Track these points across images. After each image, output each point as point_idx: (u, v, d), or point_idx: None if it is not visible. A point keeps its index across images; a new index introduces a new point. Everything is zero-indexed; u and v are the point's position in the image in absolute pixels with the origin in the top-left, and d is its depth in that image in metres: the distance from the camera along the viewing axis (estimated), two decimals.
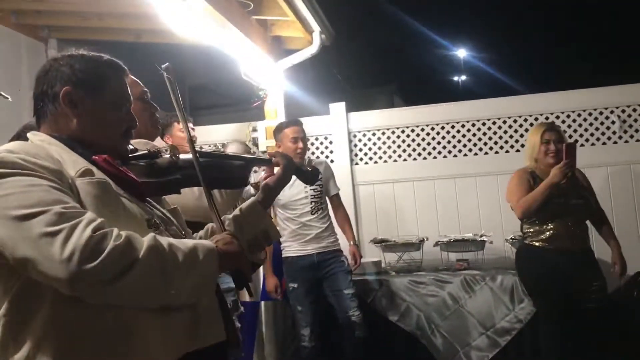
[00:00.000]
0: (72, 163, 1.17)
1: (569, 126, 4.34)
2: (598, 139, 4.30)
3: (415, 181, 4.53)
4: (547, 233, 3.12)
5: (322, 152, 4.72)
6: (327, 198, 3.72)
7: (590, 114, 4.32)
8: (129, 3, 3.50)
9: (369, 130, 4.67)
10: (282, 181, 1.58)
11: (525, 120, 4.41)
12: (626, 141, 4.25)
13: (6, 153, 1.10)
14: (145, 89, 1.77)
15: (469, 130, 4.50)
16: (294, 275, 3.56)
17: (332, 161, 4.64)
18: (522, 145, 4.27)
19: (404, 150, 4.61)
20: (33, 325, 1.08)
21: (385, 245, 4.19)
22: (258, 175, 2.61)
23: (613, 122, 4.26)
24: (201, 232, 1.50)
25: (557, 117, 4.36)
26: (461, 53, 17.19)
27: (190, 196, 1.69)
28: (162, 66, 1.39)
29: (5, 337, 1.10)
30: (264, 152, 4.47)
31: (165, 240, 1.12)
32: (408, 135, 4.61)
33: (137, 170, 1.32)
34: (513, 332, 3.54)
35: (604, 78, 4.78)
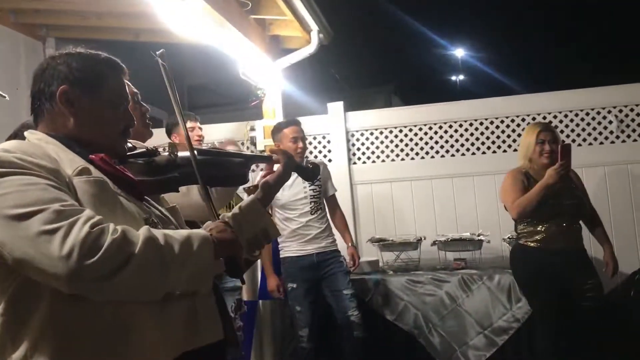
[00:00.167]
0: (70, 162, 1.17)
1: (567, 126, 4.34)
2: (595, 139, 4.31)
3: (413, 180, 4.54)
4: (541, 233, 3.13)
5: (320, 152, 4.73)
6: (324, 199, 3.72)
7: (587, 114, 4.33)
8: (128, 2, 3.51)
9: (366, 130, 4.68)
10: (282, 179, 1.57)
11: (523, 120, 4.42)
12: (623, 141, 4.26)
13: (3, 152, 1.10)
14: (136, 90, 1.78)
15: (466, 130, 4.51)
16: (293, 276, 3.55)
17: (330, 160, 4.64)
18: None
19: (402, 150, 4.61)
20: (31, 325, 1.08)
21: (383, 244, 4.20)
22: (257, 174, 2.61)
23: (610, 122, 4.27)
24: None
25: (555, 117, 4.37)
26: (459, 53, 17.19)
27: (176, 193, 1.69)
28: (157, 52, 1.38)
29: (3, 337, 1.10)
30: (262, 151, 4.47)
31: (159, 232, 1.12)
32: (406, 135, 4.61)
33: (135, 169, 1.32)
34: (510, 332, 3.54)
35: (603, 78, 4.79)
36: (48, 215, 1.01)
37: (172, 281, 1.11)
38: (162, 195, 1.46)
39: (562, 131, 4.28)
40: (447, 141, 4.54)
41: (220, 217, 1.40)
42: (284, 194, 3.50)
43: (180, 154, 1.41)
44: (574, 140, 4.29)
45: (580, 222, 3.25)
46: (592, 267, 3.18)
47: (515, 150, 4.35)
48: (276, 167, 1.59)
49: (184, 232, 1.17)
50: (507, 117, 4.46)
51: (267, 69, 4.38)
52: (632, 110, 4.26)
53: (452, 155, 4.53)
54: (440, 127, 4.56)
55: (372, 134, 4.67)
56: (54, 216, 1.01)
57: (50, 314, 1.07)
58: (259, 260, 4.11)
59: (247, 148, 4.69)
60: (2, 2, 3.80)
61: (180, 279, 1.12)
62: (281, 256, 3.63)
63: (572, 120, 4.35)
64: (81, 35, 4.25)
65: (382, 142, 4.64)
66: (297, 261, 3.55)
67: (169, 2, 3.03)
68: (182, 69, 7.07)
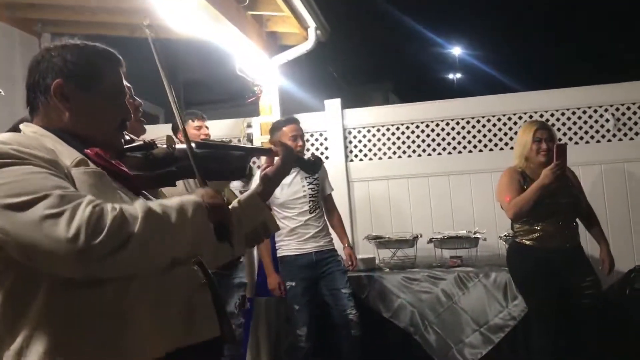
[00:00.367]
0: (67, 153, 1.17)
1: (564, 124, 4.34)
2: (592, 137, 4.31)
3: (409, 178, 4.54)
4: (538, 232, 3.14)
5: (317, 149, 4.72)
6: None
7: (584, 112, 4.33)
8: None
9: (364, 127, 4.67)
10: (282, 172, 1.55)
11: (520, 118, 4.42)
12: (620, 139, 4.27)
13: None
14: (129, 85, 1.76)
15: (463, 128, 4.51)
16: (292, 274, 3.53)
17: (327, 158, 4.63)
18: None
19: (399, 147, 4.61)
20: (28, 317, 1.08)
21: (380, 241, 4.20)
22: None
23: (607, 121, 4.27)
24: None
25: (552, 115, 4.37)
26: (456, 51, 17.18)
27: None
28: (145, 23, 1.35)
29: (0, 329, 1.10)
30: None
31: (155, 204, 1.13)
32: (403, 132, 4.61)
33: (132, 163, 1.31)
34: (506, 329, 3.55)
35: (600, 76, 4.79)
36: (52, 200, 1.01)
37: (174, 248, 1.13)
38: (162, 189, 1.45)
39: (558, 129, 4.28)
40: (443, 139, 4.54)
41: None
42: (282, 193, 3.49)
43: (178, 147, 1.40)
44: (570, 139, 4.30)
45: (577, 220, 3.26)
46: (589, 265, 3.18)
47: (511, 148, 4.33)
48: (276, 159, 1.57)
49: (176, 200, 1.17)
50: (503, 115, 4.46)
51: (264, 66, 4.37)
52: (628, 108, 4.26)
53: (449, 153, 4.53)
54: (437, 125, 4.55)
55: (369, 131, 4.66)
56: (57, 201, 1.01)
57: (47, 306, 1.07)
58: (256, 258, 4.10)
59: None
60: None
61: (181, 245, 1.15)
62: (279, 255, 3.62)
63: (569, 119, 4.35)
64: (76, 31, 4.22)
65: (379, 140, 4.64)
66: (296, 260, 3.53)
67: None
68: (178, 65, 7.04)
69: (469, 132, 4.50)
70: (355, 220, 4.58)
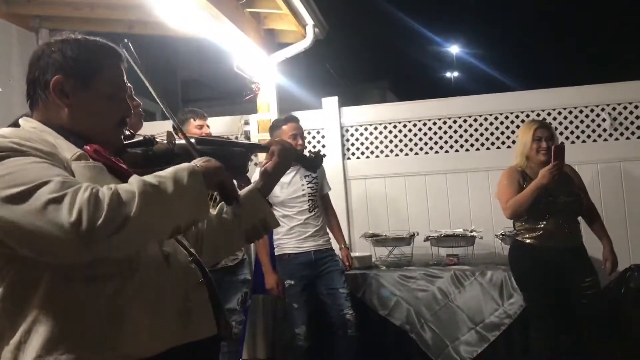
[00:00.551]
0: (68, 147, 1.17)
1: (560, 123, 4.36)
2: (589, 136, 4.32)
3: (406, 176, 4.54)
4: (539, 230, 3.15)
5: (314, 147, 4.72)
6: None
7: (581, 111, 4.34)
8: None
9: (361, 125, 4.67)
10: (281, 167, 1.55)
11: (517, 116, 4.43)
12: (616, 139, 4.28)
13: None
14: (129, 85, 1.76)
15: (460, 126, 4.51)
16: (290, 273, 3.52)
17: (324, 155, 4.62)
18: (513, 142, 4.28)
19: (396, 146, 4.61)
20: (28, 310, 1.08)
21: (376, 239, 4.20)
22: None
23: (604, 120, 4.28)
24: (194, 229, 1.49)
25: (549, 114, 4.38)
26: (454, 49, 17.20)
27: None
28: (122, 43, 1.33)
29: (2, 323, 1.10)
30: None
31: (150, 176, 1.12)
32: (400, 131, 4.61)
33: (132, 159, 1.30)
34: (502, 328, 3.55)
35: (598, 76, 4.80)
36: (53, 185, 1.00)
37: (174, 218, 1.12)
38: None
39: (555, 128, 4.28)
40: (441, 137, 4.54)
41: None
42: (282, 191, 3.49)
43: (179, 142, 1.39)
44: (567, 138, 4.31)
45: (579, 219, 3.27)
46: (590, 266, 3.19)
47: (509, 147, 4.36)
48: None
49: (171, 170, 1.16)
50: (500, 114, 4.47)
51: (261, 63, 4.36)
52: (625, 108, 4.27)
53: (446, 151, 4.53)
54: (435, 123, 4.56)
55: (366, 129, 4.66)
56: (59, 186, 1.00)
57: (46, 301, 1.08)
58: (253, 256, 4.11)
59: None
60: None
61: (180, 213, 1.14)
62: (277, 253, 3.61)
63: (565, 118, 4.36)
64: (74, 27, 4.16)
65: (376, 138, 4.64)
66: (295, 258, 3.52)
67: None
68: (175, 62, 7.03)
69: (466, 130, 4.51)
70: (352, 218, 4.58)
